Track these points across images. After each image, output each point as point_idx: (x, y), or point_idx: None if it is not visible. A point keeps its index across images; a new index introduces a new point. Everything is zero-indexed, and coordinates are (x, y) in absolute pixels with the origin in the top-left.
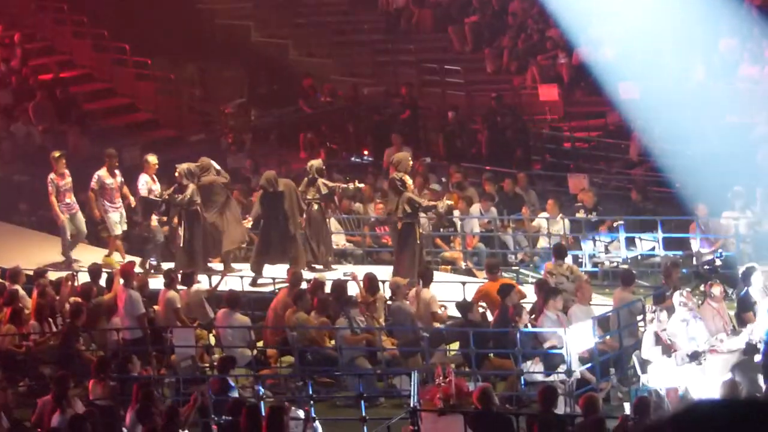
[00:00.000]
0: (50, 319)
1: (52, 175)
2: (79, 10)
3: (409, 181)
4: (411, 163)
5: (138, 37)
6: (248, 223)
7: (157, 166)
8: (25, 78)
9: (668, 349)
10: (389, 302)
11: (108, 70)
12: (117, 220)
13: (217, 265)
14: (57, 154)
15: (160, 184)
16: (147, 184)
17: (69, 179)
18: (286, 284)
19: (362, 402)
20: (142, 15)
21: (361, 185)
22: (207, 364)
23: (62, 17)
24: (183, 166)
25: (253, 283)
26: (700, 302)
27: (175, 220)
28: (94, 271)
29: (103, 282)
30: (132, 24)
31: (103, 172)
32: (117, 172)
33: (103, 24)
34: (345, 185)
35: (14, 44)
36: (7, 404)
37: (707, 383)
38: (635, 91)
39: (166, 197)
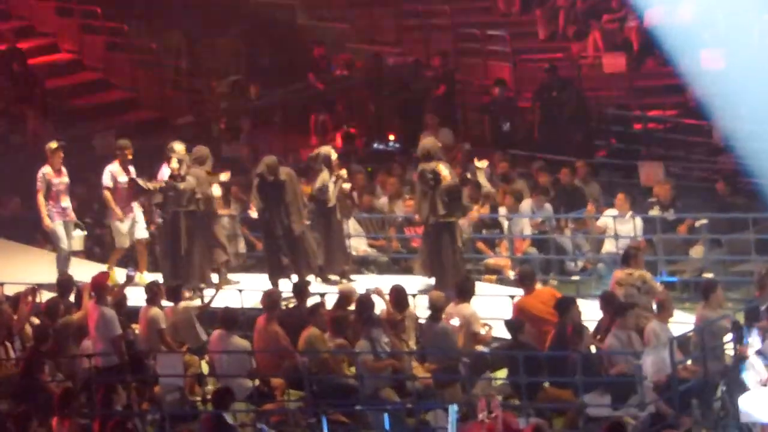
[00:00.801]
0: (7, 343)
1: (45, 169)
2: None
3: (445, 172)
4: (437, 147)
5: None
6: (253, 213)
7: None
8: None
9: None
10: (422, 321)
11: (75, 39)
12: (125, 229)
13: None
14: (54, 145)
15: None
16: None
17: (66, 178)
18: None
19: None
20: None
21: (344, 173)
22: (199, 397)
23: None
24: (181, 151)
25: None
26: None
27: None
28: (64, 284)
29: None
30: None
31: (115, 167)
32: (131, 168)
33: None
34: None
35: None
36: None
37: None
38: (720, 61)
39: (163, 185)
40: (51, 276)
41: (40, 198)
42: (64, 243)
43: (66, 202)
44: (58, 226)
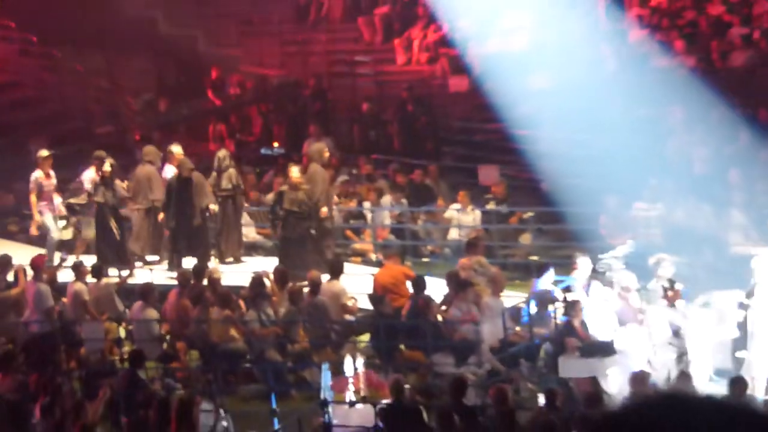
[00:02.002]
0: None
1: (37, 174)
2: None
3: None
4: (327, 154)
5: (46, 28)
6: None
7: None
8: None
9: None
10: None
11: (14, 62)
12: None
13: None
14: (45, 153)
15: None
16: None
17: (54, 180)
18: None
19: (273, 395)
20: (49, 5)
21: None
22: (117, 357)
23: None
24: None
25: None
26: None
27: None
28: (2, 263)
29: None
30: (39, 15)
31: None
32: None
33: (9, 15)
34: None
35: None
36: None
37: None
38: (546, 82)
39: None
40: None
41: (33, 197)
42: (54, 233)
43: (56, 199)
44: (48, 219)
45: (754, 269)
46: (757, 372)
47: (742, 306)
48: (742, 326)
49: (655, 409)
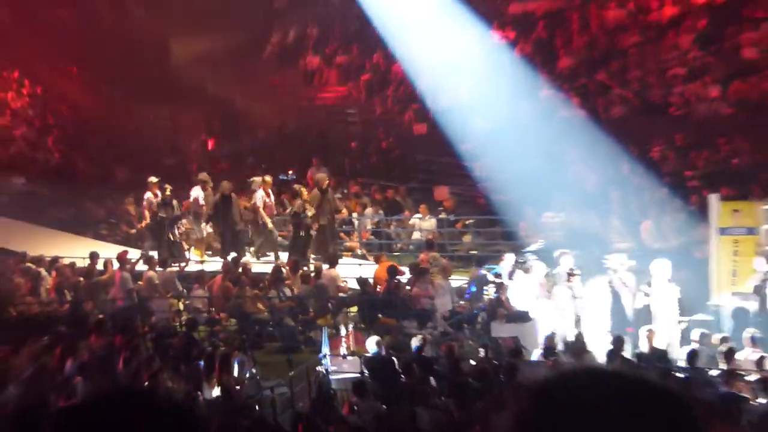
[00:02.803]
0: (65, 291)
1: (148, 194)
2: None
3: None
4: (326, 183)
5: (130, 87)
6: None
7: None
8: None
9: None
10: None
11: (104, 112)
12: None
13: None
14: (154, 180)
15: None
16: (149, 199)
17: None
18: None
19: (288, 350)
20: (131, 70)
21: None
22: (177, 324)
23: None
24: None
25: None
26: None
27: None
28: (93, 257)
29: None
30: (126, 75)
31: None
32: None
33: (102, 75)
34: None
35: None
36: (35, 353)
37: (534, 336)
38: (483, 126)
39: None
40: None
41: (146, 213)
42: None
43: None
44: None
45: (652, 271)
46: (661, 338)
47: (646, 295)
48: (646, 309)
49: (576, 380)
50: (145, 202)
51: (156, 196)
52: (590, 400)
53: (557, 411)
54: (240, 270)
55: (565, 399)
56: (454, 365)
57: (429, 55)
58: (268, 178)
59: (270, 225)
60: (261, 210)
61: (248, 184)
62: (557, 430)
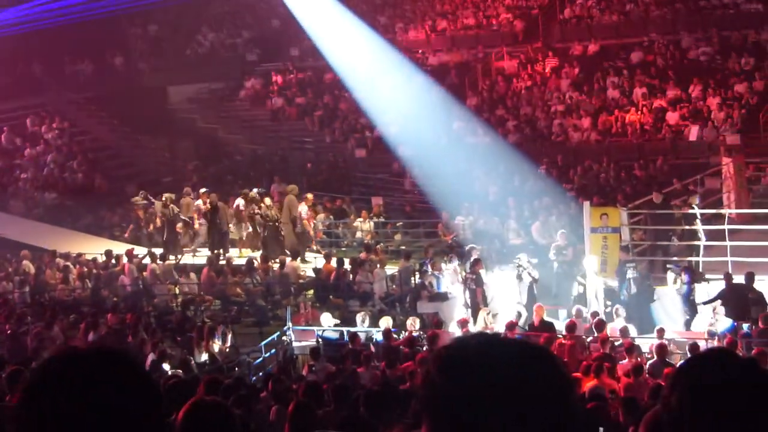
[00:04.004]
0: (87, 280)
1: (198, 202)
2: None
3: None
4: (297, 192)
5: (134, 122)
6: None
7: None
8: None
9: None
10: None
11: (116, 143)
12: None
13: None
14: (204, 190)
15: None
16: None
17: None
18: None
19: (259, 324)
20: (137, 110)
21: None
22: (174, 305)
23: None
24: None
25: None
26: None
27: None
28: (109, 253)
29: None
30: (132, 113)
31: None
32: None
33: (112, 112)
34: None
35: None
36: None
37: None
38: (409, 151)
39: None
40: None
41: (195, 216)
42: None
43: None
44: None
45: (585, 265)
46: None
47: (581, 284)
48: (582, 296)
49: (470, 345)
50: (194, 207)
51: (205, 204)
52: (481, 360)
53: (454, 370)
54: (222, 262)
55: (460, 360)
56: (386, 335)
57: (367, 95)
58: (309, 196)
59: (311, 232)
60: (305, 221)
61: (242, 194)
62: (454, 386)
